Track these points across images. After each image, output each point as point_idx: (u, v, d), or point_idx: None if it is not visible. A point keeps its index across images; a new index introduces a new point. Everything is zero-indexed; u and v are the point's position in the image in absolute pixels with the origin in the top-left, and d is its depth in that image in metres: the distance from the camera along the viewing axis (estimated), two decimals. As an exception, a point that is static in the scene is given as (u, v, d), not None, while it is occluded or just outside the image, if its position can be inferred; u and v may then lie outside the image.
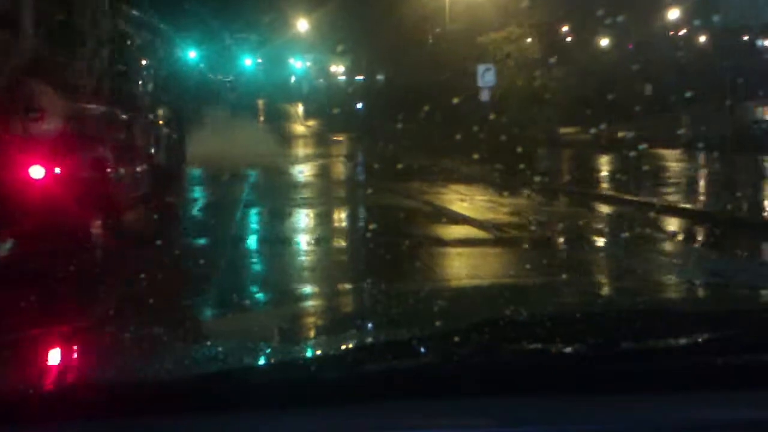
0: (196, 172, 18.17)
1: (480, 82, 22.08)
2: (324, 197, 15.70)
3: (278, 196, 15.20)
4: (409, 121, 36.00)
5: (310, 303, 2.75)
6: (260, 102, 47.35)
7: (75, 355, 1.57)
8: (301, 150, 30.51)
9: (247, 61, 47.93)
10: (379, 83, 36.52)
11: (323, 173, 21.47)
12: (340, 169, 23.65)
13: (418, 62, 31.05)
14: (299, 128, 41.84)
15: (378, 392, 1.14)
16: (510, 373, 1.19)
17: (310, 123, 43.31)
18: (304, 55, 50.99)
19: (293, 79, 54.79)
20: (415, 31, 31.78)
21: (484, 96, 22.18)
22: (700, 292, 2.47)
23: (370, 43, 36.54)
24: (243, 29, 44.03)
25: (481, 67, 22.25)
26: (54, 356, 1.54)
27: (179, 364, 1.39)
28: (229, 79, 44.87)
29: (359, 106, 37.02)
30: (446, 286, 4.54)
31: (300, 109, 50.43)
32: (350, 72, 45.27)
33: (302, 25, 41.89)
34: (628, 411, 1.13)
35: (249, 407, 1.12)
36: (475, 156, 16.26)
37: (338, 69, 47.30)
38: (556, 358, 1.24)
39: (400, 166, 19.54)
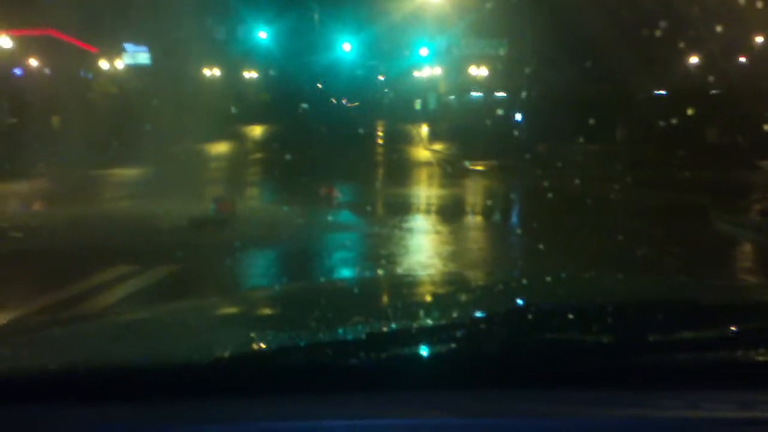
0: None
1: None
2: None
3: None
4: (605, 141, 23.28)
5: (319, 292, 2.40)
6: (379, 123, 43.88)
7: (86, 338, 1.56)
8: (419, 194, 18.03)
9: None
10: (545, 89, 23.75)
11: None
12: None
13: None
14: (422, 154, 29.67)
15: (391, 381, 1.13)
16: (532, 364, 1.16)
17: (437, 146, 31.14)
18: (432, 66, 40.76)
19: (418, 102, 50.13)
20: None
21: None
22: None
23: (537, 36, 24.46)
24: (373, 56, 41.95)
25: None
26: (66, 339, 1.55)
27: (179, 351, 1.34)
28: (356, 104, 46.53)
29: (518, 118, 24.31)
30: None
31: (424, 129, 38.85)
32: (495, 80, 33.01)
33: (433, 36, 31.69)
34: (648, 405, 1.10)
35: (251, 394, 1.12)
36: None
37: (479, 72, 34.89)
38: (579, 349, 1.21)
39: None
